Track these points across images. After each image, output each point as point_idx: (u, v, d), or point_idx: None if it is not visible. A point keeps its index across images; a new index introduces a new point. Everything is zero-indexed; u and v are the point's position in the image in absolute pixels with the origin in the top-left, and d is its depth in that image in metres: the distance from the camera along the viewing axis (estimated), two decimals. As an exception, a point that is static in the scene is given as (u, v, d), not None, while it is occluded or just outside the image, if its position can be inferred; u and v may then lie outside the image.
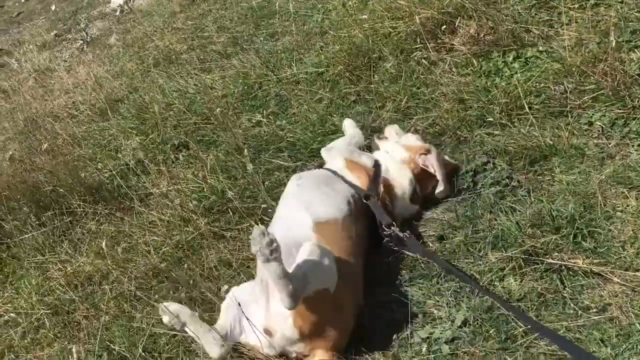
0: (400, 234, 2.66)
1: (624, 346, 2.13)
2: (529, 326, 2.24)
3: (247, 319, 2.32)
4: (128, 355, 2.60)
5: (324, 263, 2.28)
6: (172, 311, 2.44)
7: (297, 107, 3.77)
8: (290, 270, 2.18)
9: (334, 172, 2.86)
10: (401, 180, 2.91)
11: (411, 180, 2.91)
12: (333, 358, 2.25)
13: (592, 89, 3.13)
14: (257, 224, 2.94)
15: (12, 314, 3.07)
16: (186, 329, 2.43)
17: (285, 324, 2.24)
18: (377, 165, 2.94)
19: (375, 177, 2.87)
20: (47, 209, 3.55)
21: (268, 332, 2.31)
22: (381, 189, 2.83)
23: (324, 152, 3.12)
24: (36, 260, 3.32)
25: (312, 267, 2.25)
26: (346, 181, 2.80)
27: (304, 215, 2.55)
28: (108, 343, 2.68)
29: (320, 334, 2.25)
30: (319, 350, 2.25)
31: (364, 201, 2.73)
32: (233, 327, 2.41)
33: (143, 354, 2.56)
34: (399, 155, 2.99)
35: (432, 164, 2.90)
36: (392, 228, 2.67)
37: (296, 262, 2.27)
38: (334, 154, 3.03)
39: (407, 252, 2.69)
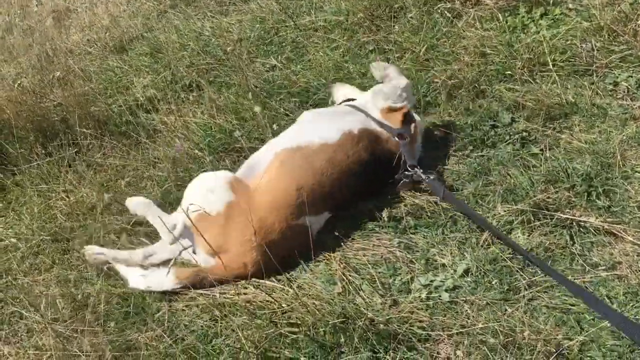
0: (423, 176, 2.59)
1: (631, 304, 2.06)
2: (546, 275, 2.20)
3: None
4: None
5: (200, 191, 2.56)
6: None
7: (313, 54, 3.68)
8: None
9: (357, 107, 2.84)
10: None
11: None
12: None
13: (620, 49, 3.00)
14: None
15: (12, 239, 3.05)
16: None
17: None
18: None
19: (409, 117, 2.82)
20: (53, 139, 3.50)
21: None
22: (412, 129, 2.78)
23: (370, 95, 2.91)
24: (40, 189, 3.29)
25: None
26: (376, 120, 2.76)
27: (282, 139, 2.72)
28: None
29: (222, 248, 2.44)
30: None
31: (396, 139, 2.69)
32: None
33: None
34: None
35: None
36: (416, 169, 2.63)
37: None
38: (371, 98, 2.89)
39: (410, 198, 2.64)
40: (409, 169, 2.63)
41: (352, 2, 3.86)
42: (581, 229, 2.35)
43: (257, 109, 3.18)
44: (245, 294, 2.36)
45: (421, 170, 2.61)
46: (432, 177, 2.58)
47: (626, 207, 2.40)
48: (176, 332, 2.31)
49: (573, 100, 2.89)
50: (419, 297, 2.25)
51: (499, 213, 2.49)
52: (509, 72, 3.12)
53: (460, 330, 2.10)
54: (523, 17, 3.40)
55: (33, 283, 2.77)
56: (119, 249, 2.69)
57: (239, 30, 4.11)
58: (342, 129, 2.64)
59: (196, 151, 3.12)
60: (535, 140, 2.81)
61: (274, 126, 3.14)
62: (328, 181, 2.53)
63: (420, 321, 2.16)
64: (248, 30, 4.08)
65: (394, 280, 2.33)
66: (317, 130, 2.67)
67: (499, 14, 3.44)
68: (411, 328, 2.13)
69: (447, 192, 2.54)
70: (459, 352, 2.04)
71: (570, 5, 3.36)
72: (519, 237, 2.39)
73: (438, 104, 3.17)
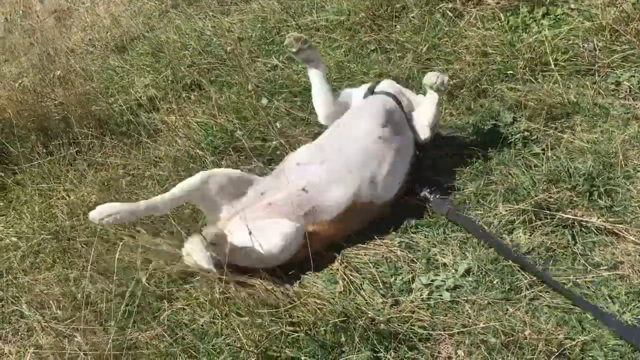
0: (429, 196, 2.61)
1: (633, 304, 2.05)
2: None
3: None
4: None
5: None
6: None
7: (315, 54, 3.67)
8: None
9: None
10: None
11: None
12: None
13: (622, 49, 3.00)
14: (263, 163, 2.91)
15: (13, 238, 3.05)
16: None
17: None
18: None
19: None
20: (54, 138, 3.50)
21: None
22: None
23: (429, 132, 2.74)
24: (41, 188, 3.28)
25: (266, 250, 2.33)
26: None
27: (356, 181, 2.48)
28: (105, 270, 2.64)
29: None
30: None
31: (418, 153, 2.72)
32: None
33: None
34: None
35: None
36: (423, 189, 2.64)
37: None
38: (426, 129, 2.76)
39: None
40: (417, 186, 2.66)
41: (354, 2, 3.86)
42: (583, 229, 2.34)
43: (264, 101, 3.19)
44: (246, 291, 2.35)
45: (428, 190, 2.61)
46: (437, 197, 2.59)
47: (628, 206, 2.40)
48: (176, 331, 2.30)
49: (575, 100, 2.88)
50: (420, 296, 2.24)
51: (501, 212, 2.48)
52: (511, 72, 3.12)
53: (462, 329, 2.09)
54: (525, 16, 3.39)
55: (33, 282, 2.77)
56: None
57: (241, 29, 4.11)
58: (399, 180, 2.60)
59: (197, 150, 3.11)
60: (537, 139, 2.80)
61: (277, 124, 3.14)
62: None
63: (421, 320, 2.15)
64: (249, 29, 4.08)
65: (395, 279, 2.32)
66: (387, 184, 2.55)
67: (501, 14, 3.43)
68: (412, 327, 2.12)
69: (452, 210, 2.53)
70: (460, 352, 2.03)
71: (572, 5, 3.36)
72: (520, 236, 2.38)
73: (440, 103, 3.16)
